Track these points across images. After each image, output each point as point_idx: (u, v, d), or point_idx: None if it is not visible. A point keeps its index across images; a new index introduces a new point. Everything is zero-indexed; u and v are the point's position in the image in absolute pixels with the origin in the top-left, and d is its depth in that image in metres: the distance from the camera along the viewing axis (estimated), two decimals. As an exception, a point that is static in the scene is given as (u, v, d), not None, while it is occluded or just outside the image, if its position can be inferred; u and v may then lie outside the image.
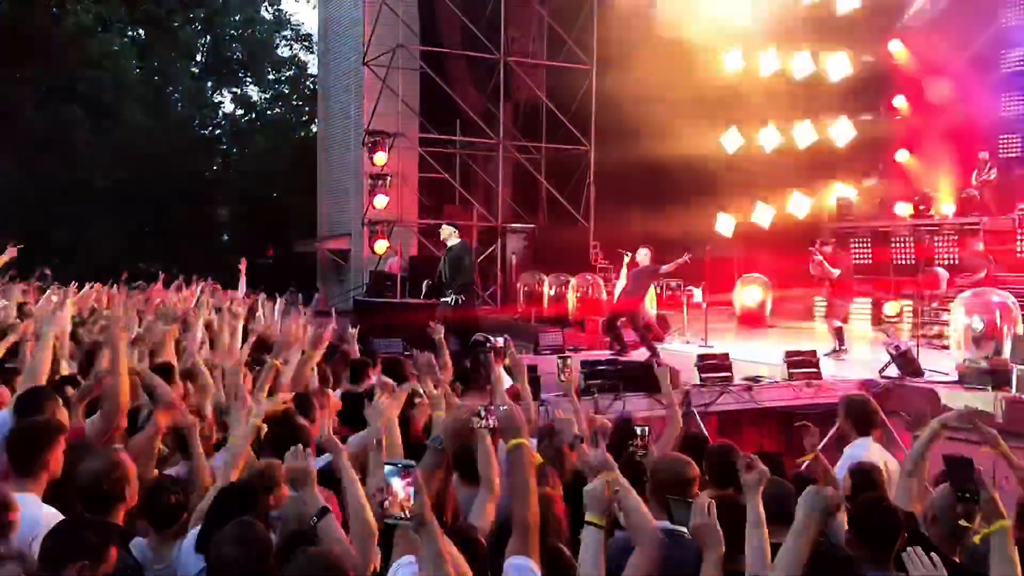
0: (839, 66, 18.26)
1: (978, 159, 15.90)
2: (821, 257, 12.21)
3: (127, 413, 4.62)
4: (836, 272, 12.20)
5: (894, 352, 9.92)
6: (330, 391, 5.72)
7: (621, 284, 13.19)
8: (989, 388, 8.69)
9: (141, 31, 35.49)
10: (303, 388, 5.76)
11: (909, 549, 2.80)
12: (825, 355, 11.49)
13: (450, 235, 12.74)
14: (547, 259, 18.05)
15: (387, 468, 2.55)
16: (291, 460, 3.28)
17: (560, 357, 5.85)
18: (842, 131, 18.31)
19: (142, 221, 31.01)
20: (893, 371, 9.74)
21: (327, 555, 2.82)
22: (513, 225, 19.71)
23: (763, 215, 18.58)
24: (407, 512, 2.48)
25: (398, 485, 2.48)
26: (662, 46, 17.63)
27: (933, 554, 2.77)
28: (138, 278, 15.37)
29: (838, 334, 11.90)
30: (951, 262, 14.51)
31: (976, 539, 3.19)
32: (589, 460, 3.35)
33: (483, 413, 3.36)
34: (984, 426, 4.20)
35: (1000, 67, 16.58)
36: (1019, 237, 13.46)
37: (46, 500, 3.73)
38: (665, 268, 11.78)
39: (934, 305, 13.19)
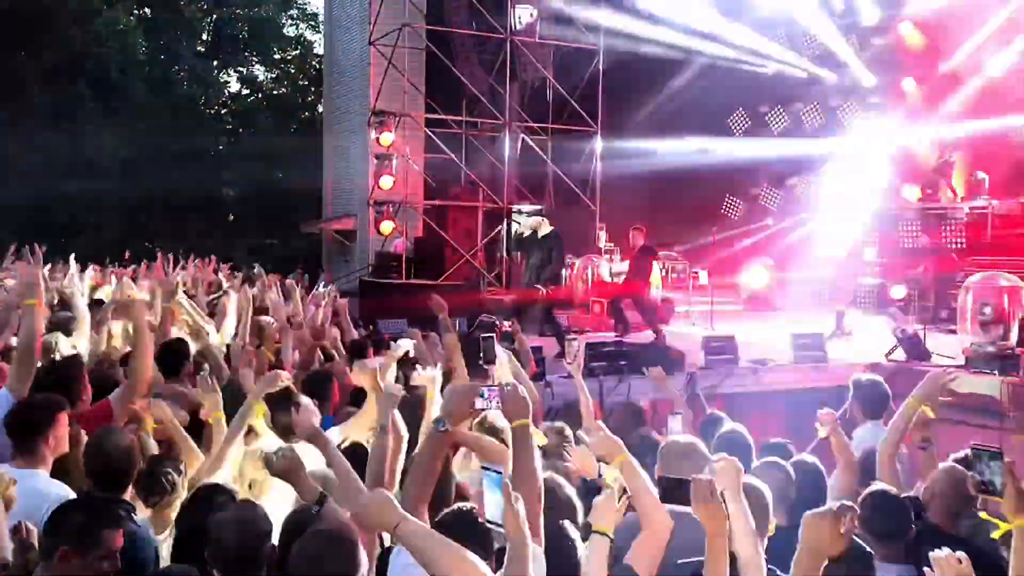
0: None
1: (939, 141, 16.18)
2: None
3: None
4: (844, 253, 12.19)
5: (901, 335, 9.90)
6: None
7: (625, 266, 13.18)
8: (996, 373, 8.67)
9: (147, 9, 35.37)
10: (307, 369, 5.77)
11: (933, 555, 2.74)
12: (827, 338, 11.49)
13: (541, 224, 12.84)
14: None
15: (487, 476, 2.49)
16: (276, 457, 3.25)
17: (567, 339, 5.81)
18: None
19: (148, 201, 30.99)
20: (900, 355, 9.72)
21: (335, 530, 2.81)
22: (519, 207, 19.64)
23: (770, 197, 18.54)
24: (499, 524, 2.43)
25: (492, 496, 2.41)
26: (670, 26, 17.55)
27: (961, 553, 2.74)
28: (141, 258, 15.35)
29: (839, 316, 11.90)
30: (960, 246, 14.43)
31: (996, 535, 3.15)
32: (595, 444, 3.32)
33: (485, 394, 3.31)
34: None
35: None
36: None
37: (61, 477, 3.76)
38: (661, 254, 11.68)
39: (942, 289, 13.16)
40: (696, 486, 2.81)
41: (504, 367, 5.31)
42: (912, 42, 17.40)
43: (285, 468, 3.25)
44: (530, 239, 13.31)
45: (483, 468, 2.52)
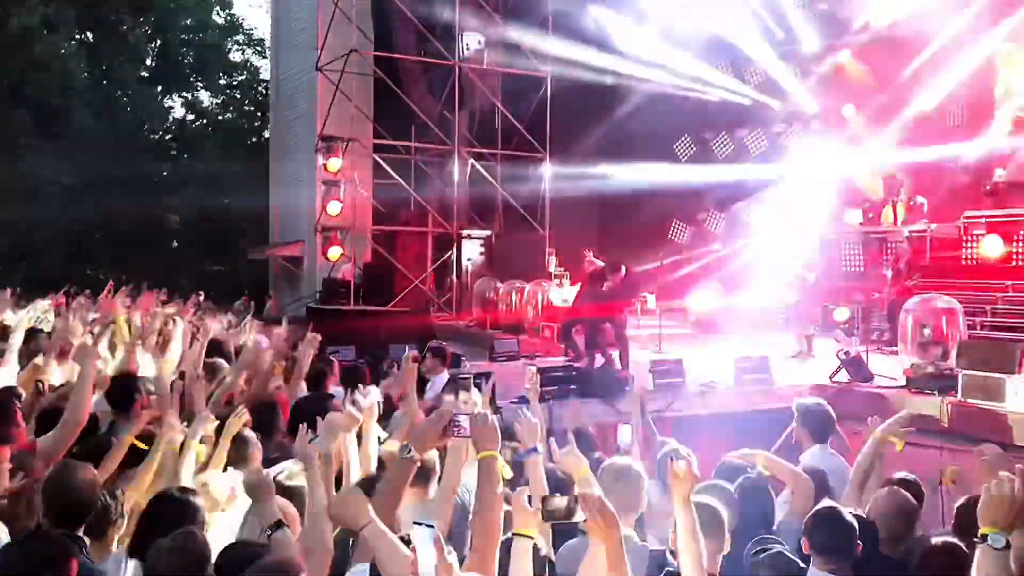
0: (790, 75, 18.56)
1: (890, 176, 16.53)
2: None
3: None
4: (811, 277, 12.39)
5: (844, 357, 10.06)
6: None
7: (575, 290, 13.20)
8: (936, 393, 8.84)
9: (89, 34, 34.85)
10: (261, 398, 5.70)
11: None
12: (791, 356, 11.68)
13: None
14: (503, 266, 18.05)
15: (418, 530, 2.46)
16: (250, 475, 3.28)
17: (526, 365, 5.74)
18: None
19: (90, 227, 30.42)
20: (843, 376, 9.87)
21: (281, 564, 2.76)
22: (469, 232, 19.67)
23: (717, 222, 18.81)
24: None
25: (424, 550, 2.38)
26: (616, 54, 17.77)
27: None
28: (84, 287, 15.03)
29: (807, 340, 12.09)
30: (900, 269, 14.74)
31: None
32: (560, 461, 3.32)
33: (459, 422, 3.30)
34: None
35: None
36: (964, 245, 13.72)
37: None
38: (607, 284, 11.45)
39: (883, 311, 13.41)
40: (585, 501, 2.79)
41: (477, 395, 5.29)
42: (851, 70, 17.84)
43: (255, 486, 3.28)
44: None
45: (415, 524, 2.51)
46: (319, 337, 6.98)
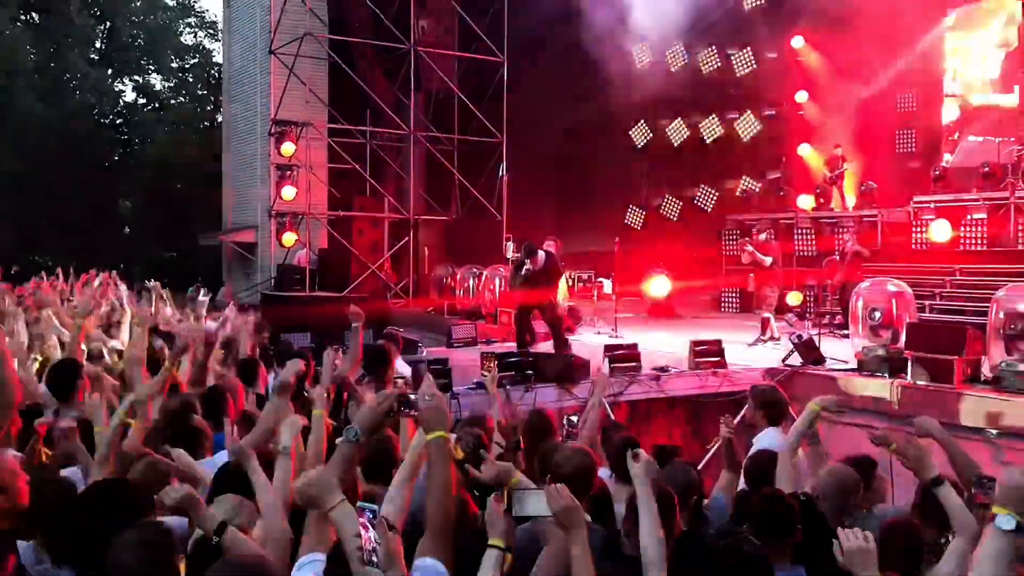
0: (744, 61, 18.69)
1: (832, 154, 17.03)
2: (752, 248, 12.53)
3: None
4: (768, 261, 12.48)
5: (796, 341, 10.19)
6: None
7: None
8: (886, 375, 9.00)
9: (35, 15, 34.00)
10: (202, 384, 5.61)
11: (839, 531, 2.85)
12: (749, 345, 11.78)
13: None
14: (460, 251, 18.01)
15: (364, 510, 2.44)
16: (169, 494, 3.00)
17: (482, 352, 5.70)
18: (747, 125, 18.78)
19: (38, 213, 29.75)
20: (796, 359, 10.00)
21: (249, 561, 2.70)
22: (425, 217, 19.58)
23: (671, 207, 18.93)
24: (376, 558, 2.37)
25: (364, 531, 2.37)
26: (573, 40, 17.74)
27: (868, 532, 2.83)
28: (31, 272, 14.71)
29: (764, 324, 12.19)
30: (850, 253, 14.99)
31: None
32: (487, 475, 3.30)
33: (409, 403, 3.30)
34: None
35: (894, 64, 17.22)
36: (914, 230, 13.96)
37: None
38: (526, 269, 11.24)
39: (835, 295, 13.61)
40: (549, 492, 2.81)
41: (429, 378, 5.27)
42: (805, 56, 18.03)
43: (180, 502, 3.00)
44: None
45: (359, 505, 2.50)
46: (252, 319, 6.93)
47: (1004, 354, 8.71)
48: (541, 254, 10.81)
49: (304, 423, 3.81)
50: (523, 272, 10.84)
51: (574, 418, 5.05)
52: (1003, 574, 2.33)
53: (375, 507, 2.43)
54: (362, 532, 2.36)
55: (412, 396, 3.32)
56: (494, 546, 2.84)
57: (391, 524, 2.39)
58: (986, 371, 8.61)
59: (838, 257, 14.23)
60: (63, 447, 4.16)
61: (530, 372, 9.08)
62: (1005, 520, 2.38)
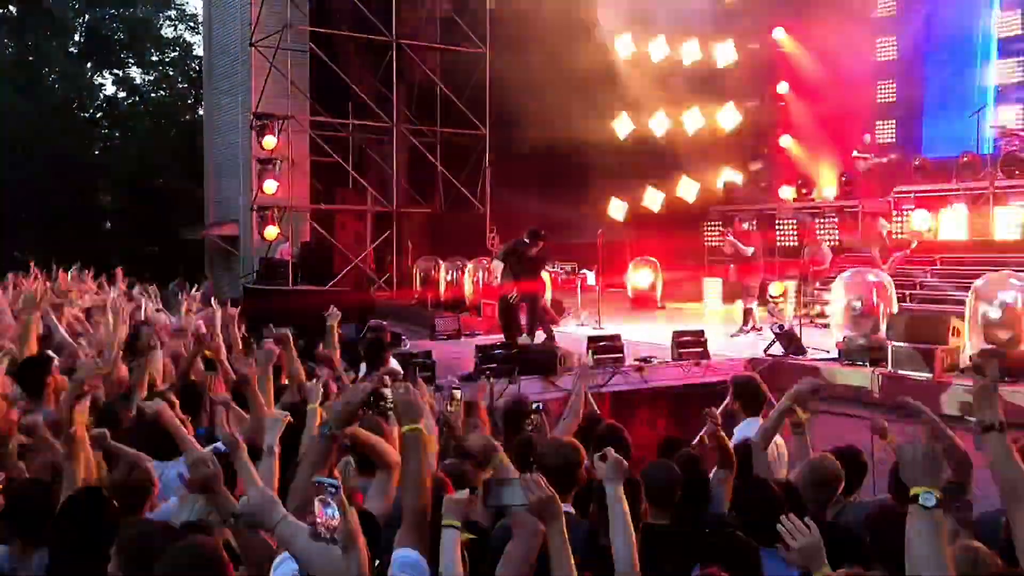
0: (726, 53, 18.73)
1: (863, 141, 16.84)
2: (733, 238, 12.60)
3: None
4: (750, 251, 12.54)
5: (778, 331, 10.25)
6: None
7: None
8: (867, 364, 9.06)
9: (12, 7, 33.63)
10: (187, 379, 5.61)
11: (782, 518, 2.81)
12: (731, 335, 11.85)
13: None
14: (443, 244, 17.99)
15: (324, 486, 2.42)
16: (197, 469, 2.96)
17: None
18: (729, 117, 18.81)
19: (16, 208, 29.46)
20: (777, 349, 10.06)
21: (200, 545, 2.67)
22: (408, 210, 19.54)
23: (653, 199, 18.96)
24: (335, 535, 2.36)
25: (321, 506, 2.36)
26: (554, 31, 17.71)
27: (807, 518, 2.82)
28: (8, 267, 14.59)
29: (745, 315, 12.26)
30: (832, 243, 15.10)
31: None
32: (474, 444, 3.32)
33: (385, 397, 3.30)
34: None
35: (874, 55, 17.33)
36: (894, 219, 14.06)
37: None
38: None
39: (817, 285, 13.69)
40: (525, 482, 2.80)
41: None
42: (787, 47, 18.09)
43: (205, 478, 2.96)
44: None
45: (316, 481, 2.48)
46: (233, 313, 6.95)
47: (983, 343, 8.78)
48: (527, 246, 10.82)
49: (288, 420, 3.80)
50: (530, 255, 10.75)
51: (538, 405, 5.07)
52: (939, 549, 2.35)
53: (336, 482, 2.41)
54: (318, 508, 2.35)
55: (385, 390, 3.32)
56: (450, 526, 2.86)
57: (349, 499, 2.38)
58: (965, 360, 8.68)
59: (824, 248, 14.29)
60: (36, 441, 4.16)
61: (512, 364, 9.10)
62: (926, 497, 2.40)
